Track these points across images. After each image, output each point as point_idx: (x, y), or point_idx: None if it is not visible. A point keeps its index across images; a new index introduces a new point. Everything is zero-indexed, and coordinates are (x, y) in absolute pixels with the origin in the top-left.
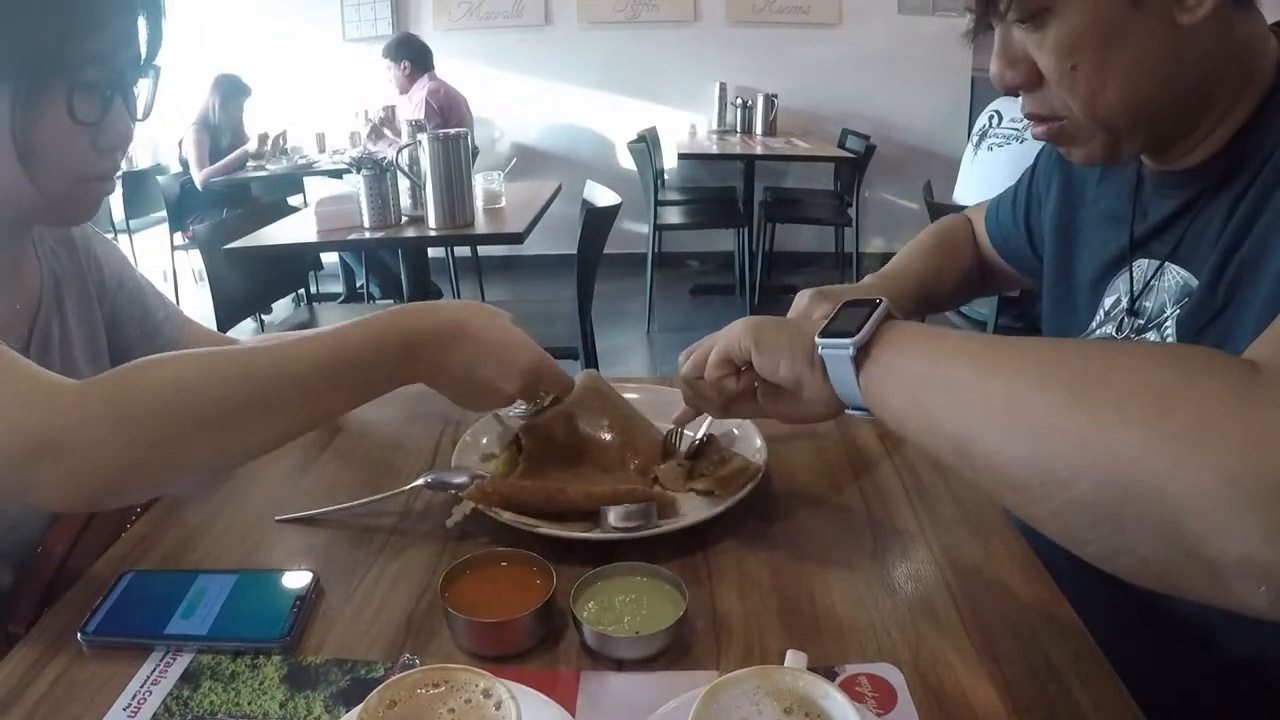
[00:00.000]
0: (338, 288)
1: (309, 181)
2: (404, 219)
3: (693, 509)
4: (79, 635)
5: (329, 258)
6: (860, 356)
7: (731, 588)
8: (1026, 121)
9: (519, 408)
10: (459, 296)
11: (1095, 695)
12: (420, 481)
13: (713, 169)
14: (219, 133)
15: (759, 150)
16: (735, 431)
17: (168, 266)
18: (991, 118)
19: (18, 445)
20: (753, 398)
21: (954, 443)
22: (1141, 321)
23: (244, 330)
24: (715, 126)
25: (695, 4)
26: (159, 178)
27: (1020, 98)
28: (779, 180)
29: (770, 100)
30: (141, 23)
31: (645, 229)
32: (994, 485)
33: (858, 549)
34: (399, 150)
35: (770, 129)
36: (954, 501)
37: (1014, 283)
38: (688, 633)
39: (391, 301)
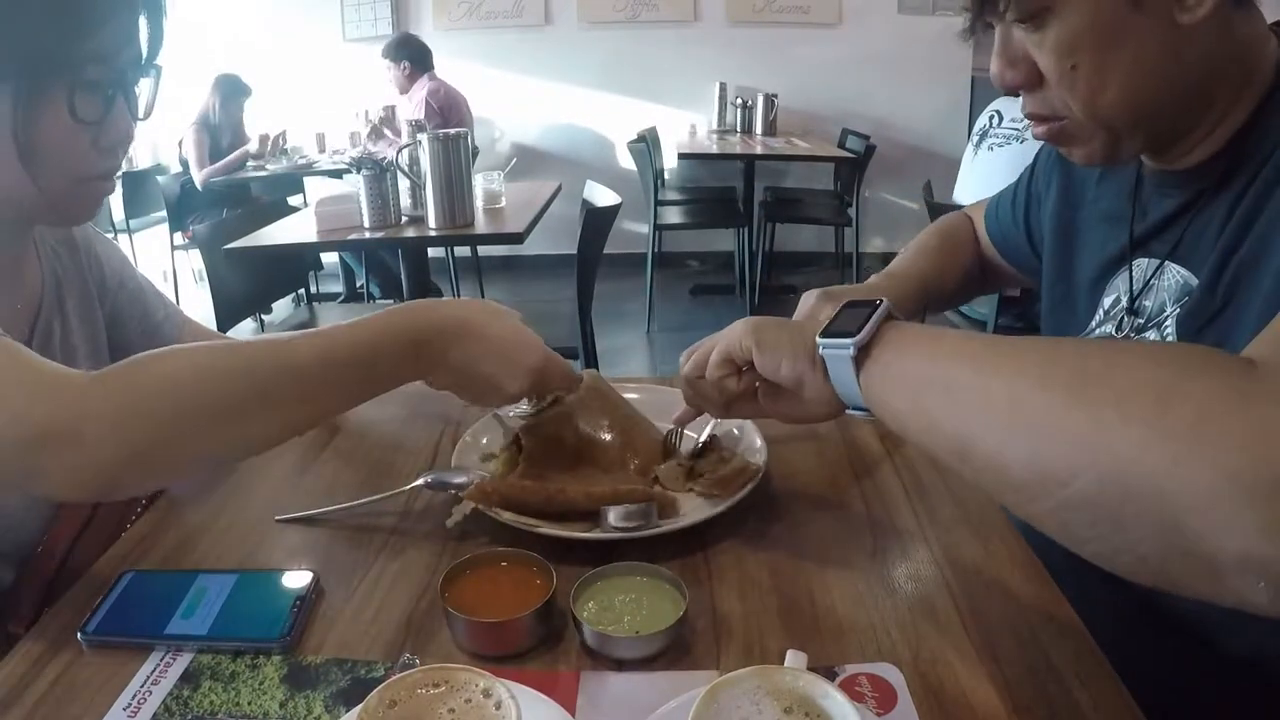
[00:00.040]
0: (338, 288)
1: (309, 181)
2: (404, 219)
3: (693, 509)
4: (79, 635)
5: (329, 258)
6: (861, 356)
7: (731, 588)
8: (1027, 122)
9: (519, 408)
10: (459, 296)
11: (1095, 695)
12: (420, 481)
13: (713, 169)
14: (219, 133)
15: (759, 150)
16: (735, 431)
17: (168, 266)
18: (992, 118)
19: (22, 434)
20: (753, 398)
21: (954, 442)
22: (1141, 321)
23: (244, 330)
24: (715, 126)
25: (695, 4)
26: (159, 178)
27: (1020, 98)
28: (779, 180)
29: (770, 100)
30: (142, 22)
31: (645, 229)
32: (994, 485)
33: (858, 549)
34: (399, 150)
35: (770, 129)
36: (954, 501)
37: (1014, 281)
38: (688, 633)
39: (391, 301)
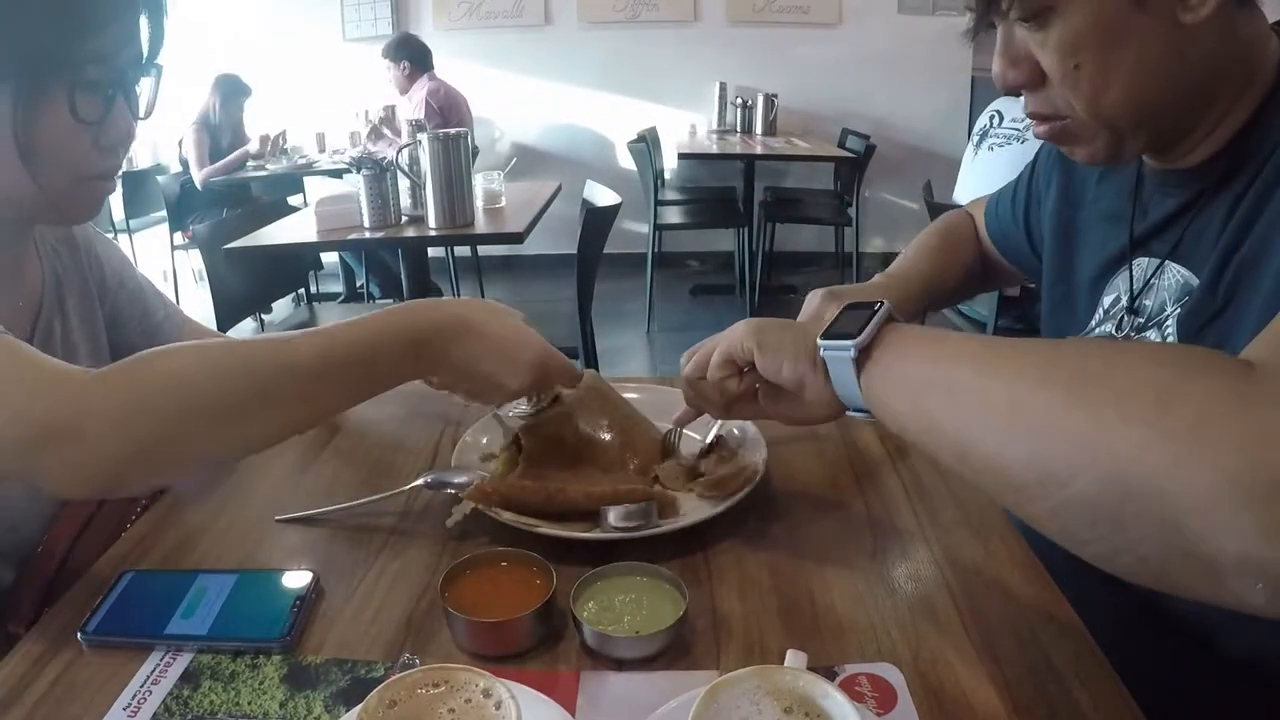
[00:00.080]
0: (338, 288)
1: (309, 181)
2: (404, 219)
3: (693, 509)
4: (79, 635)
5: (329, 257)
6: (862, 358)
7: (731, 588)
8: (1028, 122)
9: (519, 408)
10: (458, 296)
11: (1095, 695)
12: (420, 481)
13: (713, 169)
14: (219, 133)
15: (759, 150)
16: (736, 432)
17: (168, 266)
18: (993, 118)
19: (24, 432)
20: (754, 399)
21: (954, 444)
22: (1141, 320)
23: (244, 330)
24: (715, 126)
25: (695, 4)
26: (159, 177)
27: (1022, 97)
28: (779, 180)
29: (770, 100)
30: (143, 22)
31: (645, 229)
32: (994, 485)
33: (858, 549)
34: (399, 150)
35: (770, 129)
36: (954, 502)
37: (1015, 278)
38: (688, 633)
39: (391, 301)
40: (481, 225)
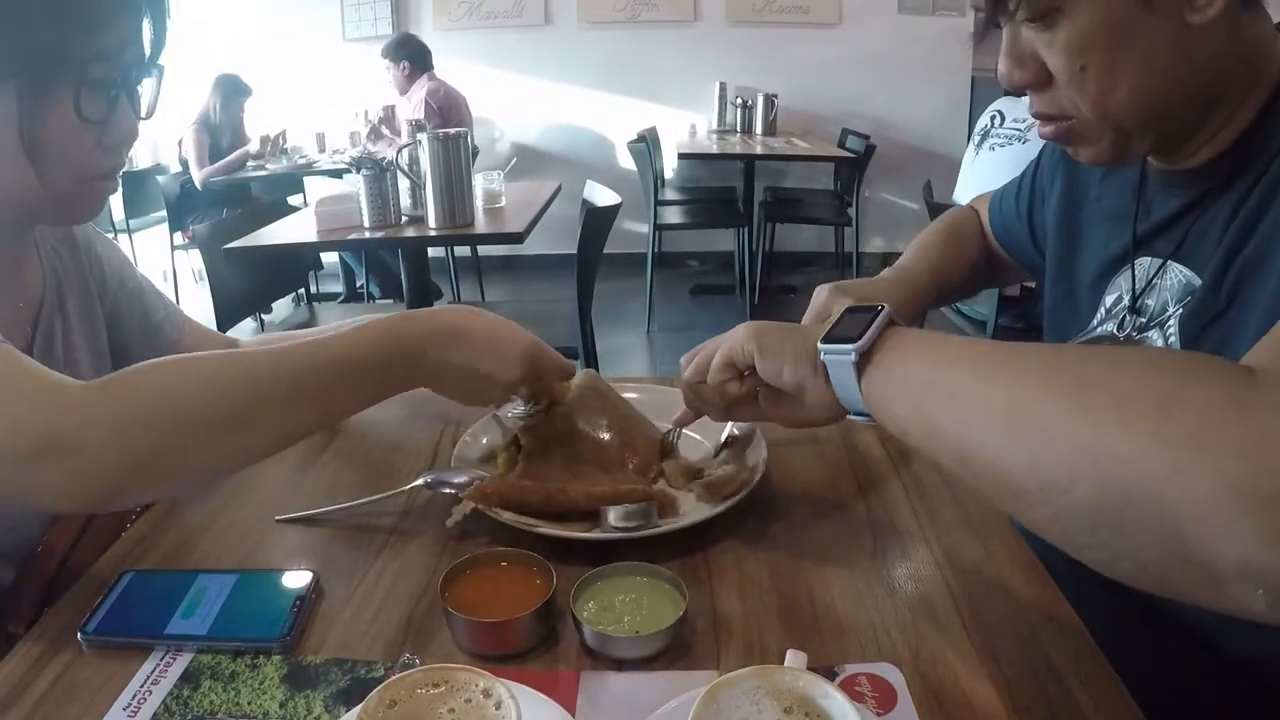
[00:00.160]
0: (338, 288)
1: (309, 181)
2: (404, 219)
3: (693, 509)
4: (79, 635)
5: (329, 258)
6: (863, 362)
7: (731, 588)
8: (1029, 122)
9: (519, 408)
10: (459, 296)
11: (1095, 695)
12: (420, 481)
13: (713, 169)
14: (219, 133)
15: (759, 150)
16: (736, 431)
17: (168, 266)
18: (994, 118)
19: (21, 444)
20: (754, 402)
21: (955, 448)
22: (1144, 320)
23: (244, 330)
24: (715, 126)
25: (695, 4)
26: (159, 178)
27: (1027, 97)
28: (779, 180)
29: (770, 100)
30: (146, 23)
31: (645, 229)
32: (995, 490)
33: (858, 549)
34: (399, 150)
35: (770, 129)
36: (954, 502)
37: (1020, 275)
38: (688, 633)
39: (391, 301)
40: (481, 225)
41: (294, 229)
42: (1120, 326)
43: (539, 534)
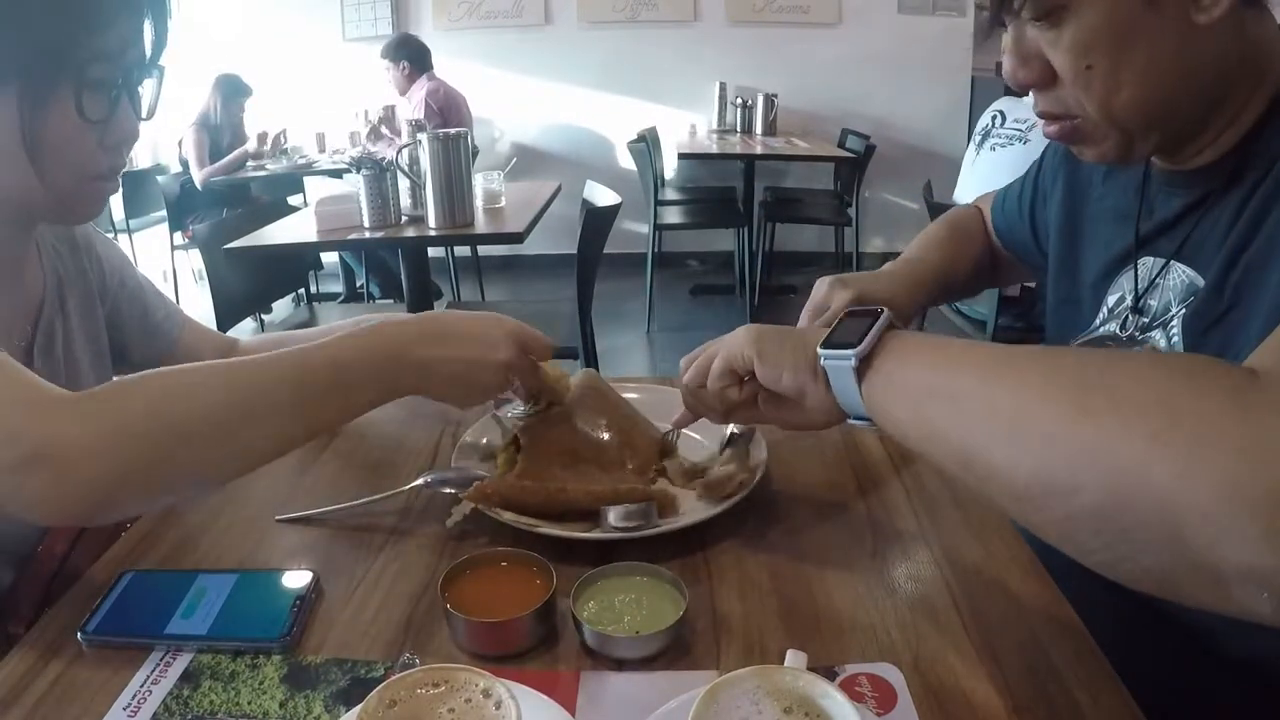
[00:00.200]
0: (338, 288)
1: (309, 181)
2: (404, 219)
3: (693, 509)
4: (79, 635)
5: (329, 258)
6: (863, 367)
7: (731, 588)
8: (1030, 122)
9: (519, 408)
10: (459, 296)
11: (1095, 695)
12: (420, 481)
13: (713, 169)
14: (219, 133)
15: (759, 150)
16: (736, 430)
17: (168, 266)
18: (995, 118)
19: (17, 452)
20: (754, 405)
21: (957, 453)
22: (1146, 320)
23: (244, 330)
24: (715, 126)
25: (695, 4)
26: (159, 178)
27: (1028, 97)
28: (779, 180)
29: (770, 100)
30: (147, 24)
31: (645, 229)
32: (998, 495)
33: (858, 549)
34: (399, 150)
35: (770, 129)
36: (954, 502)
37: (1023, 275)
38: (688, 633)
39: (391, 301)
40: (481, 225)
41: (294, 229)
42: (1123, 326)
43: (539, 534)
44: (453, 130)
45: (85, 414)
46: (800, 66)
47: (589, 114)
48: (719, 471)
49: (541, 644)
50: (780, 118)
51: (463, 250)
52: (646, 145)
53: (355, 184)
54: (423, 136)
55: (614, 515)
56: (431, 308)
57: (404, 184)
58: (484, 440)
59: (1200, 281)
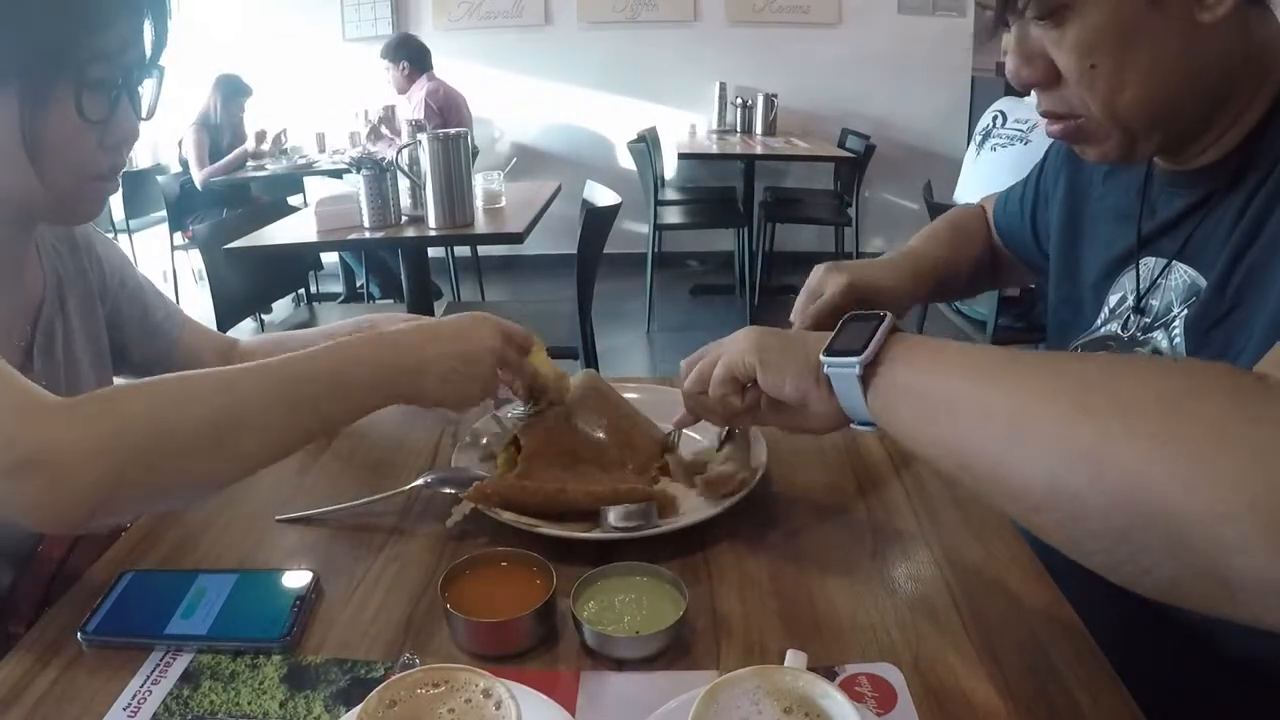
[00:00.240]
0: (338, 288)
1: (309, 181)
2: (404, 219)
3: (693, 509)
4: (79, 635)
5: (329, 258)
6: (867, 374)
7: (731, 588)
8: (1031, 123)
9: (519, 408)
10: (459, 296)
11: (1095, 695)
12: (420, 481)
13: (713, 169)
14: (219, 133)
15: (759, 150)
16: (735, 431)
17: (168, 266)
18: (996, 118)
19: (4, 460)
20: (757, 408)
21: (961, 457)
22: (1148, 320)
23: (244, 330)
24: (715, 126)
25: (695, 4)
26: (159, 178)
27: (1029, 97)
28: (779, 180)
29: (770, 100)
30: (147, 24)
31: (645, 229)
32: (1002, 498)
33: (858, 549)
34: (399, 150)
35: (770, 129)
36: (954, 503)
37: (1024, 277)
38: (688, 633)
39: (391, 301)
40: (481, 225)
41: (294, 229)
42: (1124, 326)
43: (539, 534)
44: (453, 130)
45: (79, 419)
46: (800, 66)
47: (589, 114)
48: (719, 470)
49: (541, 644)
50: (780, 118)
51: (463, 250)
52: (646, 145)
53: (355, 184)
54: (423, 136)
55: (614, 515)
56: (431, 308)
57: (404, 184)
58: (484, 440)
59: (1202, 282)
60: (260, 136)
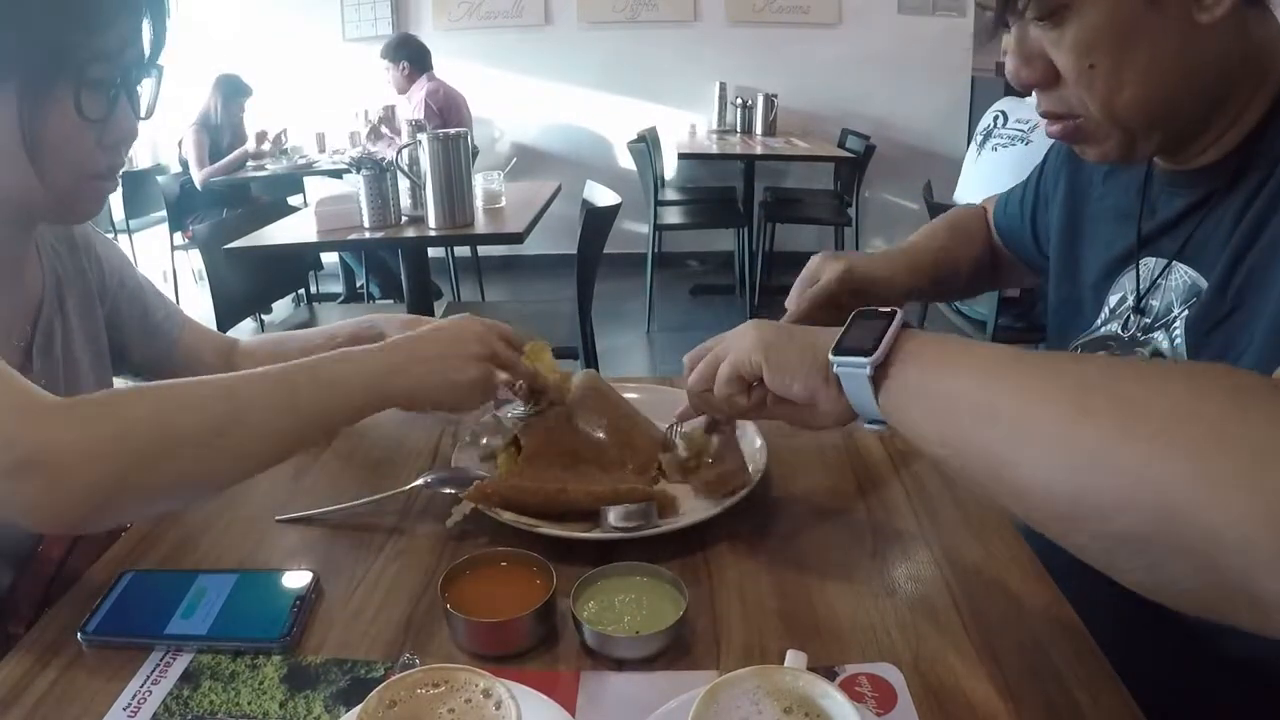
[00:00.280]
0: (338, 288)
1: (309, 181)
2: (404, 219)
3: (693, 509)
4: (79, 635)
5: (329, 258)
6: (878, 373)
7: (731, 588)
8: (1032, 123)
9: (519, 408)
10: (459, 296)
11: (1095, 695)
12: (420, 481)
13: (713, 169)
14: (219, 133)
15: (759, 150)
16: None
17: (168, 266)
18: (997, 118)
19: (3, 460)
20: (763, 405)
21: (988, 466)
22: (1148, 320)
23: (244, 330)
24: (715, 126)
25: (695, 4)
26: (159, 178)
27: (1031, 98)
28: (779, 180)
29: (770, 100)
30: (146, 23)
31: (645, 229)
32: (1033, 513)
33: (858, 549)
34: (399, 150)
35: (770, 129)
36: (954, 502)
37: (1023, 279)
38: (688, 633)
39: (391, 302)
40: (481, 225)
41: (294, 229)
42: (1124, 327)
43: (539, 534)
44: (453, 130)
45: (79, 420)
46: (800, 66)
47: (589, 114)
48: (714, 470)
49: (541, 644)
50: (780, 118)
51: (463, 250)
52: (646, 145)
53: (355, 184)
54: (423, 137)
55: (614, 515)
56: (431, 308)
57: (404, 184)
58: (484, 440)
59: (1202, 282)
60: (261, 137)
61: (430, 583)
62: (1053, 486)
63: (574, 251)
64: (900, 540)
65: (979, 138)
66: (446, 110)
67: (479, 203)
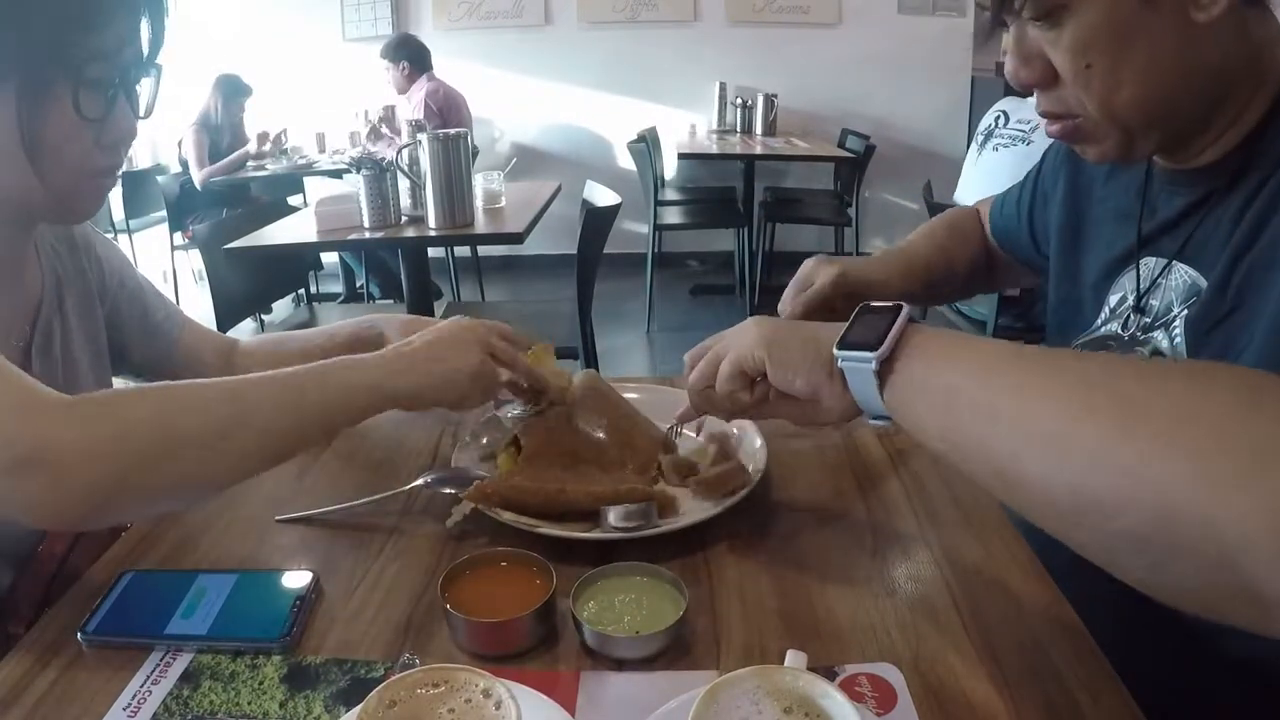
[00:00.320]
0: (338, 288)
1: (309, 181)
2: (404, 219)
3: (692, 509)
4: (79, 635)
5: (329, 258)
6: (884, 368)
7: (731, 588)
8: (1033, 123)
9: (518, 408)
10: (459, 296)
11: (1095, 695)
12: (420, 481)
13: (713, 169)
14: (219, 133)
15: (759, 150)
16: (735, 431)
17: (168, 266)
18: (998, 118)
19: (5, 457)
20: (765, 402)
21: (993, 465)
22: (1148, 320)
23: (244, 330)
24: (715, 126)
25: (695, 4)
26: (159, 178)
27: (1032, 98)
28: (779, 180)
29: (770, 100)
30: (144, 23)
31: (645, 229)
32: (1036, 511)
33: (858, 549)
34: (399, 150)
35: (770, 129)
36: (954, 502)
37: (1018, 279)
38: (688, 633)
39: (391, 302)
40: (481, 225)
41: (294, 229)
42: (1124, 326)
43: (539, 534)
44: (453, 130)
45: (80, 419)
46: (800, 66)
47: (589, 114)
48: (713, 471)
49: (541, 644)
50: (780, 118)
51: (463, 250)
52: (646, 145)
53: (355, 184)
54: (423, 137)
55: (614, 515)
56: (431, 308)
57: (404, 184)
58: (484, 440)
59: (1202, 282)
60: (262, 139)
61: (430, 583)
62: (1053, 485)
63: (574, 251)
64: (900, 540)
65: (980, 138)
66: (446, 110)
67: (479, 203)
